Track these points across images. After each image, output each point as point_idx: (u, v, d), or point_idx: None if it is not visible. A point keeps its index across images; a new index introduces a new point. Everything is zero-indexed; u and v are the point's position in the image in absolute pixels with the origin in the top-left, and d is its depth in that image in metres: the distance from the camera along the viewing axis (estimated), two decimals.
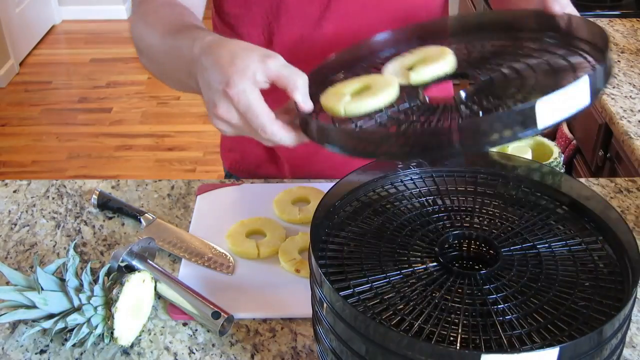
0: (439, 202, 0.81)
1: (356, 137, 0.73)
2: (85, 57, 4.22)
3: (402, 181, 0.84)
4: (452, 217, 0.79)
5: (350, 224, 0.78)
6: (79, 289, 0.85)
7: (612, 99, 1.55)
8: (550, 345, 0.62)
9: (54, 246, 1.02)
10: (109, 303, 0.85)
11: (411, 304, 0.67)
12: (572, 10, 0.88)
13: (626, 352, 0.85)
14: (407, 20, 0.97)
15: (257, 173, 1.29)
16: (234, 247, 0.99)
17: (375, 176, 0.83)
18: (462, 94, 0.77)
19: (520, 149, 1.07)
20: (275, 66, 0.75)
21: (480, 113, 0.74)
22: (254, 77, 0.74)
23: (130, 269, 0.91)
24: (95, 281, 0.86)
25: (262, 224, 1.04)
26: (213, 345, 0.86)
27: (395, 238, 0.75)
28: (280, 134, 0.76)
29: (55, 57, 4.27)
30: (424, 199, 0.82)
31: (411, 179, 0.84)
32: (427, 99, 0.79)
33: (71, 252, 0.87)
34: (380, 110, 0.76)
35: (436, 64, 0.81)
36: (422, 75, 0.80)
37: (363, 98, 0.77)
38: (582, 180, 1.13)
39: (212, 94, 0.76)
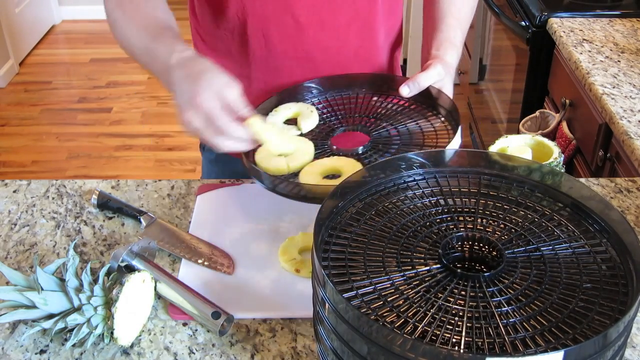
0: (442, 203, 0.81)
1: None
2: (85, 57, 4.22)
3: (405, 182, 0.84)
4: (455, 218, 0.78)
5: (353, 225, 0.77)
6: (79, 289, 0.85)
7: (612, 99, 1.55)
8: (555, 348, 0.61)
9: (54, 246, 1.02)
10: (109, 303, 0.84)
11: (414, 305, 0.66)
12: (448, 88, 1.11)
13: (626, 352, 0.85)
14: (369, 12, 1.18)
15: None
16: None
17: (378, 177, 0.83)
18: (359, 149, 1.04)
19: (520, 149, 1.07)
20: (233, 94, 0.93)
21: None
22: (217, 92, 0.91)
23: (130, 269, 0.91)
24: (95, 281, 0.86)
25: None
26: (213, 345, 0.86)
27: (398, 239, 0.75)
28: (237, 129, 0.92)
29: (55, 57, 4.26)
30: (427, 199, 0.81)
31: (414, 180, 0.84)
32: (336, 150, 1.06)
33: (71, 252, 0.87)
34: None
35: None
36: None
37: (285, 162, 1.01)
38: (582, 180, 1.13)
39: (181, 102, 0.93)
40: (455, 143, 0.99)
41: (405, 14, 3.57)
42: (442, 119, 1.09)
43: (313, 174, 0.99)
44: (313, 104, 1.16)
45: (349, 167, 1.00)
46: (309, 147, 1.04)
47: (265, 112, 1.13)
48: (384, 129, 1.09)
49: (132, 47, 1.06)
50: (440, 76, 1.09)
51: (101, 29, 4.56)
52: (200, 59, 0.97)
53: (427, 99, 1.12)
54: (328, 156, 1.03)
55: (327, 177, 1.00)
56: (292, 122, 1.12)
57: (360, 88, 1.19)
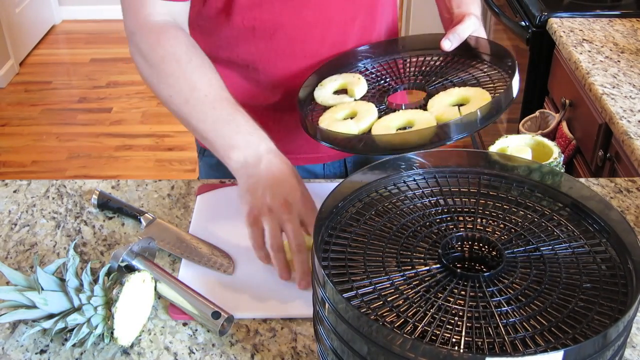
0: (442, 203, 0.81)
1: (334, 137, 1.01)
2: (85, 57, 4.22)
3: (405, 182, 0.84)
4: (455, 218, 0.78)
5: (353, 225, 0.78)
6: (79, 289, 0.85)
7: (612, 99, 1.55)
8: (555, 348, 0.61)
9: (54, 246, 1.02)
10: (109, 303, 0.84)
11: (414, 305, 0.67)
12: (481, 33, 1.14)
13: (626, 352, 0.85)
14: (371, 2, 1.18)
15: None
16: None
17: (378, 177, 0.83)
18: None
19: (520, 149, 1.07)
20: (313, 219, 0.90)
21: None
22: (283, 223, 0.91)
23: (130, 269, 0.91)
24: (95, 281, 0.86)
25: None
26: (213, 345, 0.86)
27: (398, 239, 0.75)
28: (303, 264, 0.90)
29: (55, 57, 4.26)
30: (427, 199, 0.81)
31: (414, 180, 0.84)
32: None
33: (71, 252, 0.87)
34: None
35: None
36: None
37: (353, 123, 1.03)
38: (582, 180, 1.13)
39: (272, 198, 0.92)
40: (515, 82, 1.00)
41: (405, 14, 3.57)
42: (489, 64, 1.11)
43: (387, 128, 1.00)
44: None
45: (419, 117, 1.01)
46: (371, 107, 1.05)
47: (311, 89, 1.14)
48: (438, 83, 1.10)
49: (185, 106, 1.01)
50: (475, 26, 1.12)
51: (101, 29, 4.56)
52: (289, 162, 0.97)
53: (467, 51, 1.14)
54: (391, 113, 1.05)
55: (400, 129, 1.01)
56: (340, 93, 1.13)
57: (395, 53, 1.20)
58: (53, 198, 1.12)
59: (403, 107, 1.05)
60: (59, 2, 4.66)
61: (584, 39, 1.85)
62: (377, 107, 1.06)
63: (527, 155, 1.05)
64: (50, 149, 3.32)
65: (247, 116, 1.00)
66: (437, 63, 1.16)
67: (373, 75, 1.17)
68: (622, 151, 1.49)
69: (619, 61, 1.73)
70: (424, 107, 1.04)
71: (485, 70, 1.10)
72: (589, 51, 1.78)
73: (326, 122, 1.05)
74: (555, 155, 1.05)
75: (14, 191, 1.14)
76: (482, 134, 2.75)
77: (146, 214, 1.06)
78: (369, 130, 1.02)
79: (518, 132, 1.93)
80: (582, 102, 1.73)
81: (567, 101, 1.82)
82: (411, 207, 0.80)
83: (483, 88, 1.04)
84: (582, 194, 0.79)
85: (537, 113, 1.95)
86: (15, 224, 1.06)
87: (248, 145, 0.97)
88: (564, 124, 1.83)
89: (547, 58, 2.02)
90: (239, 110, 1.00)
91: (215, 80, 1.02)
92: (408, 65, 1.18)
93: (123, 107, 3.66)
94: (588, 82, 1.65)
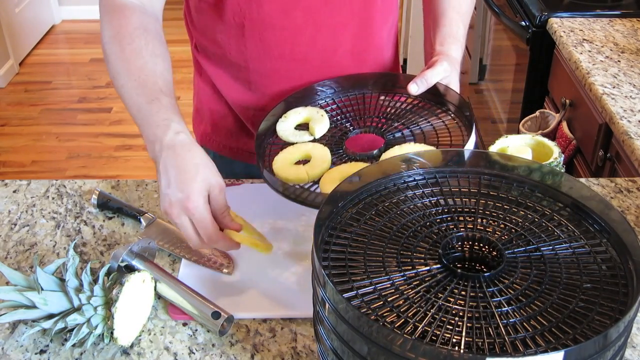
0: (442, 202, 0.81)
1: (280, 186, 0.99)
2: (85, 57, 4.22)
3: (405, 182, 0.84)
4: (455, 218, 0.78)
5: (353, 225, 0.77)
6: (79, 289, 0.85)
7: (612, 99, 1.55)
8: (555, 348, 0.61)
9: (54, 246, 1.02)
10: (109, 303, 0.84)
11: (414, 305, 0.66)
12: (455, 83, 1.12)
13: (627, 352, 0.85)
14: (366, 11, 1.17)
15: (230, 144, 1.31)
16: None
17: (378, 177, 0.83)
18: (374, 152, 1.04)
19: (521, 149, 1.07)
20: (222, 200, 0.90)
21: None
22: (209, 197, 0.88)
23: (130, 269, 0.91)
24: (95, 281, 0.86)
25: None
26: (213, 345, 0.86)
27: (398, 239, 0.75)
28: (223, 240, 0.89)
29: (55, 57, 4.26)
30: (427, 200, 0.81)
31: (414, 180, 0.84)
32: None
33: (71, 252, 0.87)
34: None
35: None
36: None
37: (304, 170, 1.01)
38: (582, 180, 1.13)
39: (169, 193, 0.87)
40: (471, 142, 0.98)
41: (405, 14, 3.56)
42: (452, 115, 1.09)
43: (334, 182, 0.97)
44: (321, 107, 1.15)
45: None
46: (325, 153, 1.04)
47: (275, 119, 1.12)
48: (397, 130, 1.08)
49: (121, 90, 1.00)
50: (447, 72, 1.09)
51: None
52: (194, 149, 0.91)
53: (435, 96, 1.12)
54: (345, 161, 1.03)
55: None
56: (303, 127, 1.11)
57: (366, 88, 1.19)
58: (53, 198, 1.12)
59: (357, 157, 1.03)
60: (58, 2, 4.66)
61: (584, 39, 1.85)
62: (334, 150, 1.05)
63: (527, 155, 1.05)
64: (50, 148, 3.32)
65: (165, 104, 0.94)
66: (403, 105, 1.14)
67: (338, 111, 1.15)
68: (623, 151, 1.49)
69: (619, 61, 1.73)
70: (377, 159, 1.02)
71: (446, 122, 1.08)
72: (589, 51, 1.78)
73: (279, 163, 1.03)
74: (555, 155, 1.05)
75: (14, 191, 1.14)
76: (482, 134, 2.75)
77: (146, 214, 1.06)
78: (319, 179, 1.00)
79: (518, 132, 1.93)
80: (582, 102, 1.73)
81: (567, 101, 1.82)
82: (411, 207, 0.80)
83: (440, 145, 1.03)
84: (582, 194, 0.79)
85: (537, 113, 1.95)
86: (15, 224, 1.06)
87: (155, 138, 0.91)
88: (564, 124, 1.83)
89: (547, 58, 2.02)
90: (157, 98, 0.94)
91: (151, 64, 0.97)
92: (374, 103, 1.16)
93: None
94: (588, 82, 1.65)
